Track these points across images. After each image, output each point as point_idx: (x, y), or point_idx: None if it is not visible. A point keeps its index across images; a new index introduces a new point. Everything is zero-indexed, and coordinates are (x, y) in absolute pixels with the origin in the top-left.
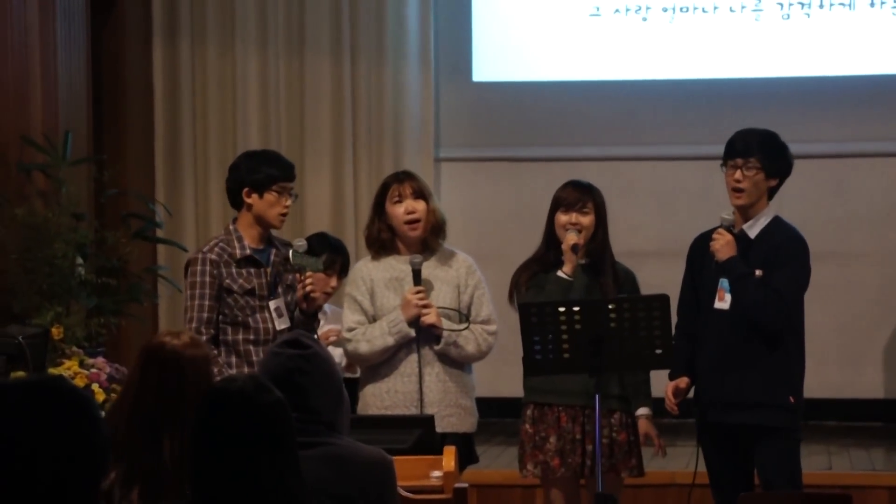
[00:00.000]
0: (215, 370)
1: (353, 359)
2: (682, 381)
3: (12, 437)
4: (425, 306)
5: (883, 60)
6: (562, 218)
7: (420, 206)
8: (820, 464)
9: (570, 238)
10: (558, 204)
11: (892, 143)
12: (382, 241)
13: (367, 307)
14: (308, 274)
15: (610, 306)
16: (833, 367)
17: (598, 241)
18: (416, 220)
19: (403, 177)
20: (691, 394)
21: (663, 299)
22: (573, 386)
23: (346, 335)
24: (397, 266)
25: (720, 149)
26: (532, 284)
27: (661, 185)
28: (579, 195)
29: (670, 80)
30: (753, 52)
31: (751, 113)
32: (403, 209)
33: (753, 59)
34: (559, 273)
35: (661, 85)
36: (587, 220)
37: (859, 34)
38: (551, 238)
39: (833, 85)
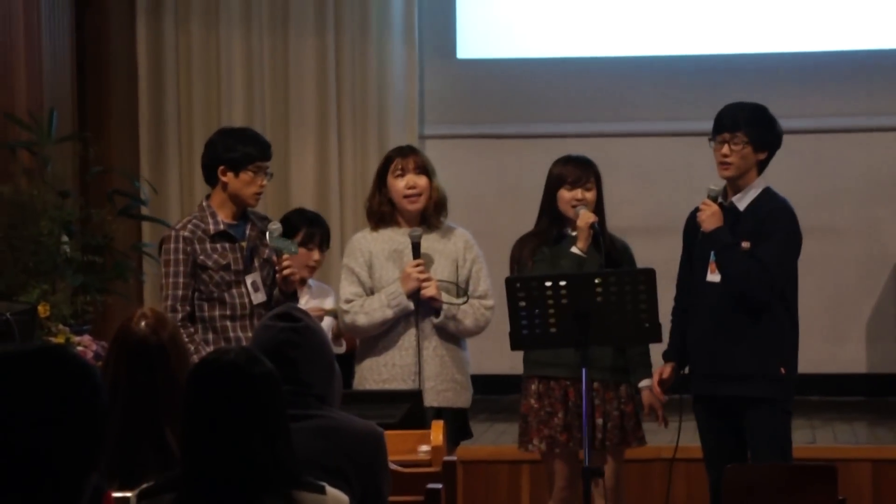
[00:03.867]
0: (192, 347)
1: (351, 331)
2: (666, 370)
3: (15, 403)
4: (425, 279)
5: (864, 36)
6: (566, 194)
7: (422, 181)
8: (804, 438)
9: (588, 216)
10: (561, 180)
11: (873, 117)
12: (382, 213)
13: (364, 279)
14: (285, 256)
15: (596, 280)
16: (816, 342)
17: (599, 215)
18: (417, 195)
19: (407, 151)
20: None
21: (649, 273)
22: (579, 359)
23: (344, 306)
24: (396, 238)
25: (704, 125)
26: (538, 259)
27: (644, 162)
28: (581, 171)
29: (654, 56)
30: (737, 28)
31: (733, 89)
32: (404, 183)
33: (737, 34)
34: (573, 249)
35: (645, 61)
36: (591, 195)
37: (841, 10)
38: (553, 213)
39: (814, 60)
